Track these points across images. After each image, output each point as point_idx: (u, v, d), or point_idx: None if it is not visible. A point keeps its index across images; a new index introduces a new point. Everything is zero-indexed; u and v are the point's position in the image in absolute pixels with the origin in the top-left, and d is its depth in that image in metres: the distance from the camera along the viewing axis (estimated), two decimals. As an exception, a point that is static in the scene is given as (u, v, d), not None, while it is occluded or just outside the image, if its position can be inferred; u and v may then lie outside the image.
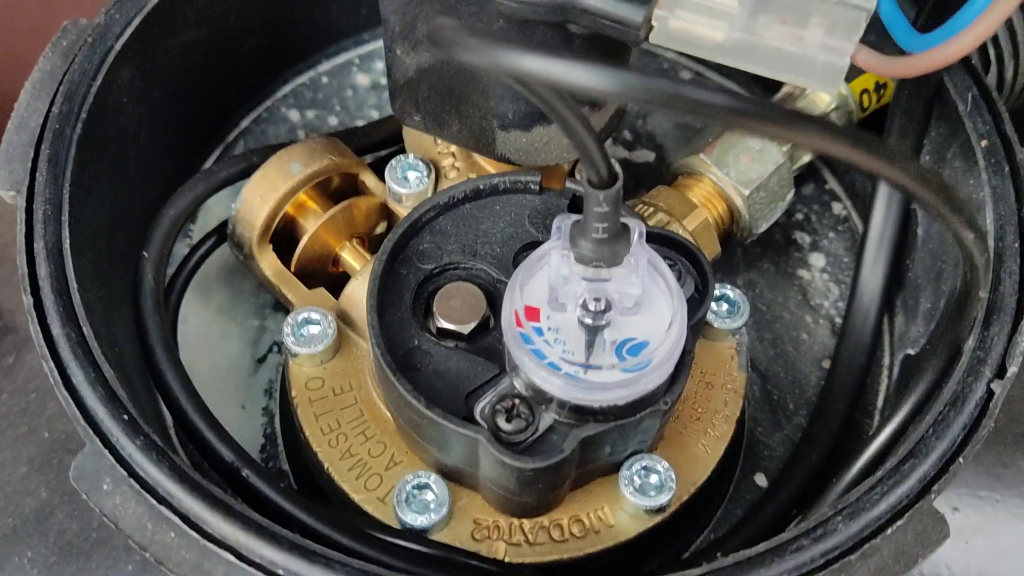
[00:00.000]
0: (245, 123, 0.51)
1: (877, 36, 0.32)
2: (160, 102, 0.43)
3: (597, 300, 0.32)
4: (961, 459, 0.32)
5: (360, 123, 0.51)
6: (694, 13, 0.31)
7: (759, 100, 0.22)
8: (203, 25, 0.44)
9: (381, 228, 0.44)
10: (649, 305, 0.33)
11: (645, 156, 0.51)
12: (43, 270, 0.34)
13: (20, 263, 0.34)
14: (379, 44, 0.53)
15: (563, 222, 0.32)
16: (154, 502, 0.30)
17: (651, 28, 0.32)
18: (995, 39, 0.45)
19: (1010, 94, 0.47)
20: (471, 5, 0.33)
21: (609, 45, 0.33)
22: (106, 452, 0.31)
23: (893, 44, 0.33)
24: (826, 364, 0.45)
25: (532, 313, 0.33)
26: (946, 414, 0.32)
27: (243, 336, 0.45)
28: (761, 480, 0.42)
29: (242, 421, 0.42)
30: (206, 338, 0.44)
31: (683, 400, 0.38)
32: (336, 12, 0.52)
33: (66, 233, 0.35)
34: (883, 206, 0.44)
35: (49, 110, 0.37)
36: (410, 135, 0.43)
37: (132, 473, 0.30)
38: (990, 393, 0.33)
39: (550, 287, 0.33)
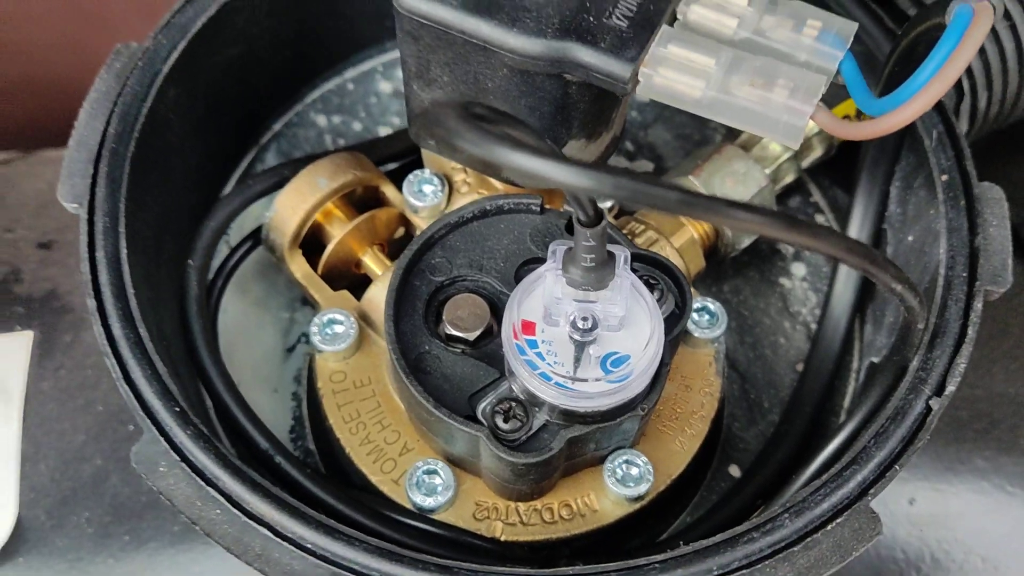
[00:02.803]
0: (277, 127, 0.55)
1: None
2: (202, 115, 0.48)
3: (585, 319, 0.37)
4: (898, 467, 0.36)
5: (382, 128, 0.56)
6: (675, 72, 0.35)
7: (706, 197, 0.26)
8: (241, 42, 0.49)
9: (399, 233, 0.49)
10: (631, 323, 0.38)
11: (645, 166, 0.55)
12: (104, 277, 0.39)
13: (84, 270, 0.39)
14: (401, 53, 0.58)
15: (558, 247, 0.37)
16: (202, 483, 0.35)
17: (638, 82, 0.36)
18: (969, 71, 0.48)
19: (983, 122, 0.51)
20: (479, 54, 0.37)
21: (601, 92, 0.37)
22: (161, 440, 0.36)
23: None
24: (800, 367, 0.49)
25: (528, 327, 0.38)
26: (887, 427, 0.37)
27: (276, 327, 0.50)
28: (735, 471, 0.47)
29: (274, 404, 0.48)
30: (243, 328, 0.49)
31: (663, 401, 0.43)
32: (361, 24, 0.56)
33: (123, 243, 0.40)
34: (857, 224, 0.48)
35: (106, 130, 0.42)
36: (427, 151, 0.47)
37: (183, 458, 0.36)
38: (928, 409, 0.37)
39: (544, 306, 0.37)
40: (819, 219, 0.54)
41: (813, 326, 0.51)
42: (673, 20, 0.37)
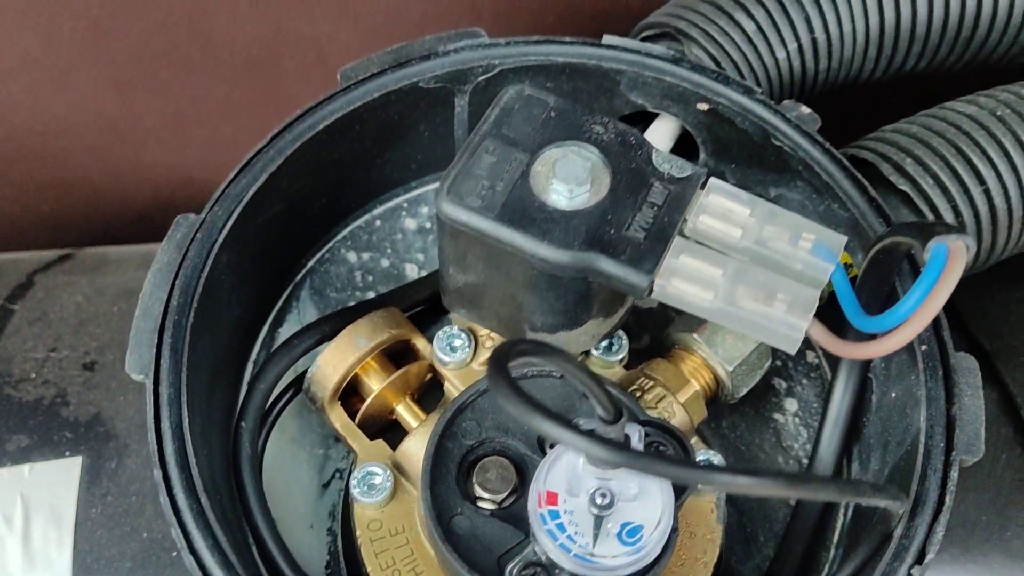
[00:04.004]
0: (310, 263, 0.59)
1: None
2: (247, 269, 0.52)
3: (603, 495, 0.41)
4: (883, 630, 0.41)
5: (408, 265, 0.60)
6: (686, 283, 0.40)
7: (695, 465, 0.31)
8: (284, 201, 0.53)
9: (428, 377, 0.53)
10: (644, 495, 0.42)
11: (649, 302, 0.60)
12: (169, 447, 0.43)
13: (150, 440, 0.43)
14: (424, 190, 0.62)
15: (581, 426, 0.41)
16: (261, 647, 0.39)
17: (653, 290, 0.40)
18: (948, 235, 0.53)
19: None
20: (511, 257, 0.42)
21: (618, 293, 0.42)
22: (223, 606, 0.40)
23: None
24: (792, 502, 0.54)
25: (552, 497, 0.42)
26: (873, 594, 0.42)
27: (311, 463, 0.54)
28: (734, 603, 0.52)
29: (311, 539, 0.52)
30: (281, 464, 0.53)
31: (670, 549, 0.47)
32: (389, 167, 0.60)
33: (185, 412, 0.44)
34: (845, 373, 0.52)
35: (168, 301, 0.46)
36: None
37: (243, 624, 0.40)
38: (910, 576, 0.42)
39: (567, 479, 0.42)
40: (810, 356, 0.58)
41: (804, 460, 0.55)
42: (683, 226, 0.42)
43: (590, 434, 0.31)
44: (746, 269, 0.40)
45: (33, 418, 0.59)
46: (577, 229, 0.40)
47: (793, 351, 0.39)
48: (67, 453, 0.57)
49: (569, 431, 0.31)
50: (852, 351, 0.38)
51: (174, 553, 0.54)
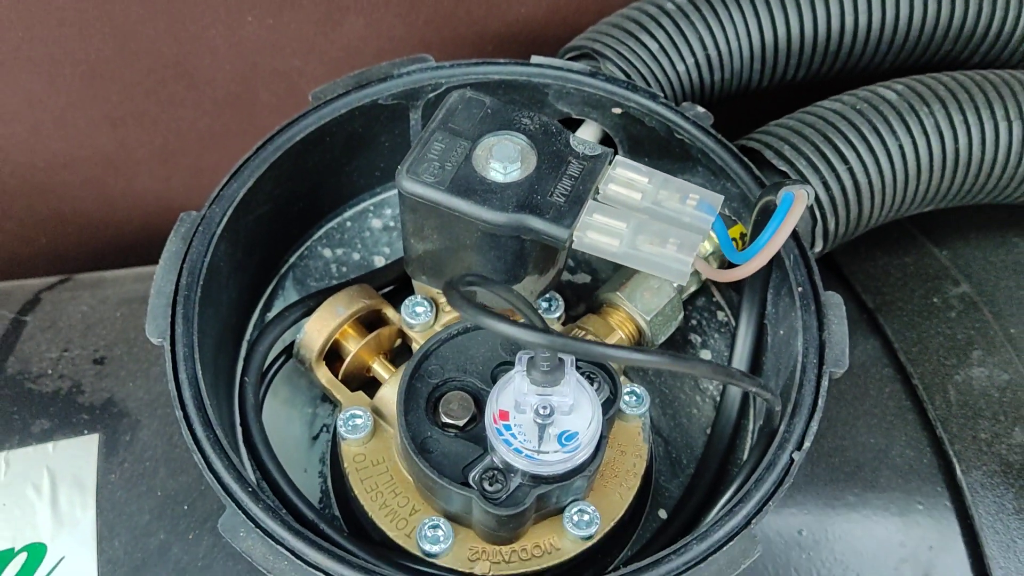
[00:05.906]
0: (292, 259, 0.69)
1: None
2: (241, 258, 0.62)
3: (544, 408, 0.51)
4: (771, 504, 0.51)
5: (376, 257, 0.70)
6: (598, 233, 0.51)
7: (615, 347, 0.41)
8: (269, 202, 0.63)
9: (398, 343, 0.63)
10: (578, 408, 0.52)
11: (583, 278, 0.71)
12: (187, 393, 0.52)
13: (170, 389, 0.53)
14: (388, 194, 0.72)
15: (523, 356, 0.52)
16: (272, 543, 0.48)
17: (573, 241, 0.51)
18: (819, 202, 0.65)
19: (835, 239, 0.67)
20: (459, 222, 0.52)
21: (547, 245, 0.52)
22: (240, 513, 0.49)
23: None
24: (708, 431, 0.64)
25: (504, 415, 0.52)
26: (763, 474, 0.52)
27: (302, 420, 0.63)
28: (663, 514, 0.61)
29: (305, 480, 0.61)
30: (276, 422, 0.62)
31: (604, 463, 0.57)
32: (357, 174, 0.71)
33: (198, 366, 0.54)
34: (745, 321, 0.63)
35: (178, 281, 0.56)
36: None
37: (257, 526, 0.49)
38: (792, 460, 0.52)
39: (514, 399, 0.52)
40: (719, 315, 0.69)
41: (718, 399, 0.66)
42: (596, 193, 0.53)
43: (517, 323, 0.41)
44: (645, 222, 0.51)
45: (53, 405, 0.68)
46: (510, 197, 0.51)
47: (683, 281, 0.49)
48: (85, 432, 0.66)
49: (498, 322, 0.41)
50: (723, 275, 0.49)
51: (185, 506, 0.63)
